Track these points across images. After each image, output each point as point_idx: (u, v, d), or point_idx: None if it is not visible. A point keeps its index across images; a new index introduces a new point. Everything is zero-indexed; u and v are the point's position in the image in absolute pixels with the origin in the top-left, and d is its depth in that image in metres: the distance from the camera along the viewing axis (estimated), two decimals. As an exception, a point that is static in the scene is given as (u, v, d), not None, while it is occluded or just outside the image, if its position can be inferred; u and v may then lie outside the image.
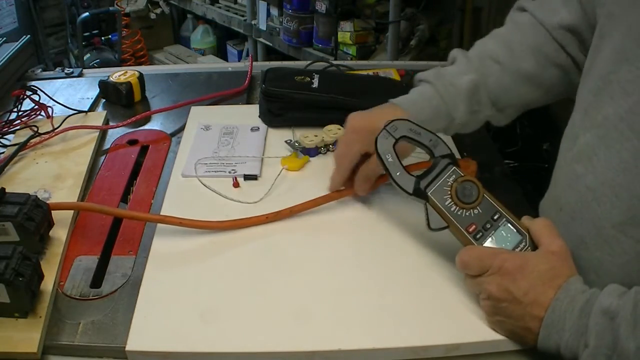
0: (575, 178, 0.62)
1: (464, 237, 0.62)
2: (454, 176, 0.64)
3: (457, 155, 0.88)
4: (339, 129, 0.88)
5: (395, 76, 1.10)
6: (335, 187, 0.77)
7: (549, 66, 0.76)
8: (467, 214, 0.62)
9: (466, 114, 0.76)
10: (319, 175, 0.82)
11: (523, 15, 0.79)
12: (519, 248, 0.61)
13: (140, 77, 1.05)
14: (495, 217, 0.62)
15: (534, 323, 0.56)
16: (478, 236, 0.62)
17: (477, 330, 0.60)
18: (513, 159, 1.26)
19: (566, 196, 0.64)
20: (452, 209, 0.63)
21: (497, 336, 0.59)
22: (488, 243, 0.61)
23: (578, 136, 0.63)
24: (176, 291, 0.64)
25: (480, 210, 0.62)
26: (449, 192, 0.63)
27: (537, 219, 0.62)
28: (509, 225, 0.62)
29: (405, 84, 1.07)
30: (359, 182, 0.74)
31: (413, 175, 0.65)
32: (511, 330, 0.58)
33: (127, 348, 0.58)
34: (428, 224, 0.64)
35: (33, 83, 1.05)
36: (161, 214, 0.75)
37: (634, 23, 0.56)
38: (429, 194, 0.64)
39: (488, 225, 0.62)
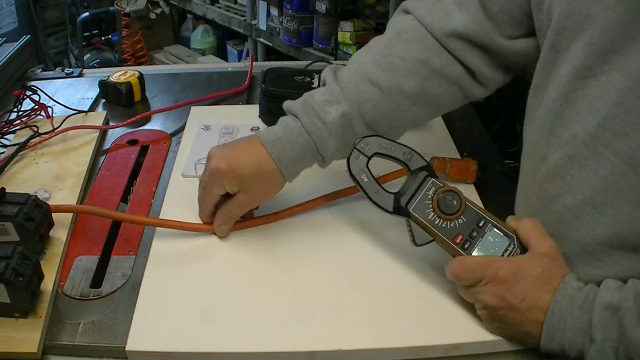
0: (550, 199, 0.61)
1: (451, 249, 0.61)
2: (433, 188, 0.62)
3: (457, 156, 0.88)
4: (339, 129, 0.88)
5: (395, 76, 1.10)
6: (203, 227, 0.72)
7: (437, 81, 0.69)
8: (451, 225, 0.61)
9: (337, 149, 0.69)
10: (319, 175, 0.82)
11: (407, 20, 0.71)
12: (508, 252, 0.60)
13: (140, 77, 1.05)
14: (481, 224, 0.61)
15: (533, 327, 0.56)
16: (466, 246, 0.61)
17: (477, 330, 0.60)
18: (513, 159, 1.26)
19: (542, 217, 0.62)
20: (436, 222, 0.61)
21: (497, 336, 0.59)
22: (476, 251, 0.60)
23: (546, 157, 0.61)
24: (176, 291, 0.64)
25: (465, 219, 0.61)
26: (431, 206, 0.62)
27: (524, 219, 0.61)
28: (495, 230, 0.61)
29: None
30: (217, 224, 0.70)
31: (391, 193, 0.63)
32: (511, 336, 0.58)
33: (127, 348, 0.58)
34: (413, 240, 0.63)
35: (33, 83, 1.05)
36: (161, 215, 0.75)
37: (593, 39, 0.54)
38: (410, 210, 0.62)
39: (474, 234, 0.61)
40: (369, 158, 0.64)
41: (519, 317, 0.56)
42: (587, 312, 0.53)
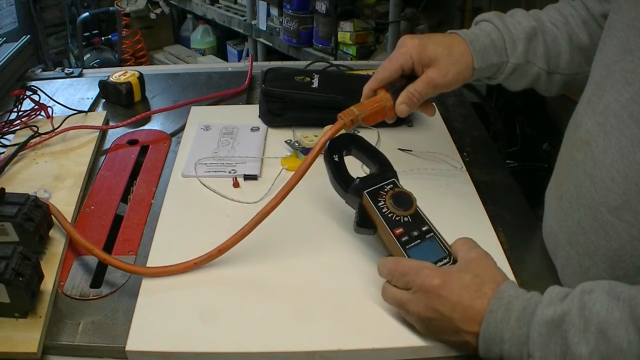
0: (575, 165, 0.63)
1: (390, 241, 0.62)
2: (392, 186, 0.66)
3: (458, 156, 0.88)
4: (339, 129, 0.88)
5: (395, 76, 1.10)
6: (362, 98, 0.73)
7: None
8: (396, 218, 0.63)
9: (522, 56, 0.73)
10: (318, 175, 0.82)
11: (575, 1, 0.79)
12: (442, 263, 0.60)
13: (140, 77, 1.05)
14: (424, 229, 0.62)
15: (470, 337, 0.55)
16: (404, 239, 0.61)
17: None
18: (513, 159, 1.26)
19: (566, 183, 0.64)
20: (384, 211, 0.63)
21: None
22: (413, 252, 0.61)
23: (580, 124, 0.63)
24: (176, 291, 0.64)
25: (411, 221, 0.63)
26: (384, 197, 0.64)
27: (457, 239, 0.62)
28: (436, 241, 0.62)
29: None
30: (399, 102, 0.70)
31: (354, 178, 0.67)
32: (453, 343, 0.58)
33: (127, 348, 0.58)
34: (355, 222, 0.65)
35: (33, 83, 1.05)
36: (161, 215, 0.75)
37: (637, 16, 0.57)
38: (364, 192, 0.65)
39: (415, 234, 0.62)
40: (350, 145, 0.70)
41: (453, 326, 0.55)
42: (525, 325, 0.51)
